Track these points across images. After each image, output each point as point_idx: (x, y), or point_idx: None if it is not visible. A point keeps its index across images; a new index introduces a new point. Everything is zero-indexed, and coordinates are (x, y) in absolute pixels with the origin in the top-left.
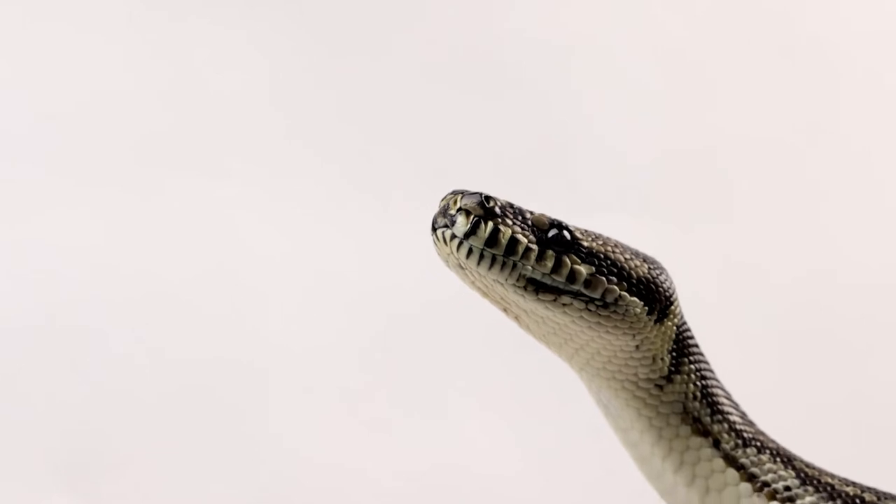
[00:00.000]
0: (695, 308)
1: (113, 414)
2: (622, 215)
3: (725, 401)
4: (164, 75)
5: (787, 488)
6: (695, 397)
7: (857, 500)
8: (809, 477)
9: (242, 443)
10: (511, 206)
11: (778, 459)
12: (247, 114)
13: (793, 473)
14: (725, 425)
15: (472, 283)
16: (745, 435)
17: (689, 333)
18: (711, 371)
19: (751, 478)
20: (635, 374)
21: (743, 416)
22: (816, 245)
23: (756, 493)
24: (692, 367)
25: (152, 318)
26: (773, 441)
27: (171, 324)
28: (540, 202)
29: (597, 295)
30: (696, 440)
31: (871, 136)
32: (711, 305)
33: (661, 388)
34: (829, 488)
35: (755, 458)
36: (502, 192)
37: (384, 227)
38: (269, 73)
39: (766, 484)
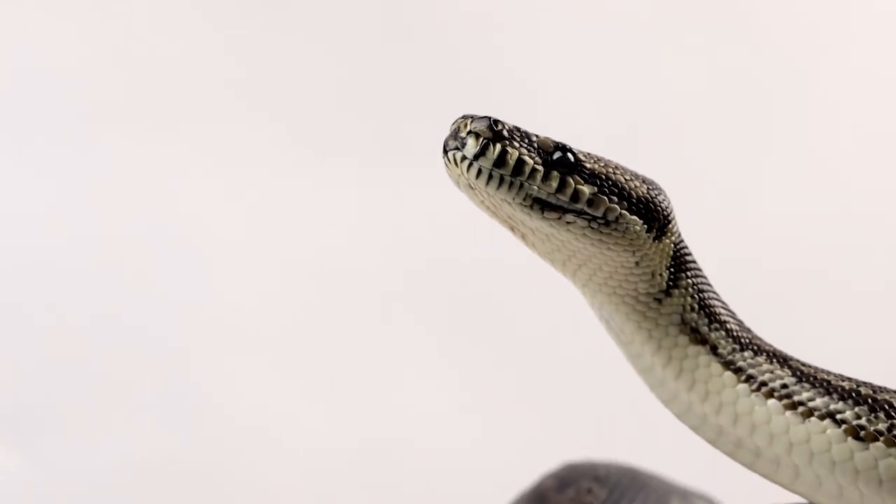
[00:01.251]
0: None
1: (50, 371)
2: None
3: (723, 311)
4: (111, 40)
5: (784, 386)
6: (692, 308)
7: (854, 394)
8: (806, 374)
9: (174, 401)
10: (518, 129)
11: (775, 360)
12: (191, 78)
13: (789, 372)
14: (723, 332)
15: (482, 202)
16: (743, 340)
17: (686, 250)
18: (709, 285)
19: (748, 379)
20: (635, 290)
21: (740, 323)
22: (742, 231)
23: (754, 393)
24: (689, 280)
25: (92, 279)
26: (770, 345)
27: (111, 284)
28: None
29: (599, 213)
30: (694, 348)
31: (795, 118)
32: None
33: (659, 301)
34: (825, 384)
35: (752, 361)
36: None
37: (329, 192)
38: (214, 38)
39: (763, 384)
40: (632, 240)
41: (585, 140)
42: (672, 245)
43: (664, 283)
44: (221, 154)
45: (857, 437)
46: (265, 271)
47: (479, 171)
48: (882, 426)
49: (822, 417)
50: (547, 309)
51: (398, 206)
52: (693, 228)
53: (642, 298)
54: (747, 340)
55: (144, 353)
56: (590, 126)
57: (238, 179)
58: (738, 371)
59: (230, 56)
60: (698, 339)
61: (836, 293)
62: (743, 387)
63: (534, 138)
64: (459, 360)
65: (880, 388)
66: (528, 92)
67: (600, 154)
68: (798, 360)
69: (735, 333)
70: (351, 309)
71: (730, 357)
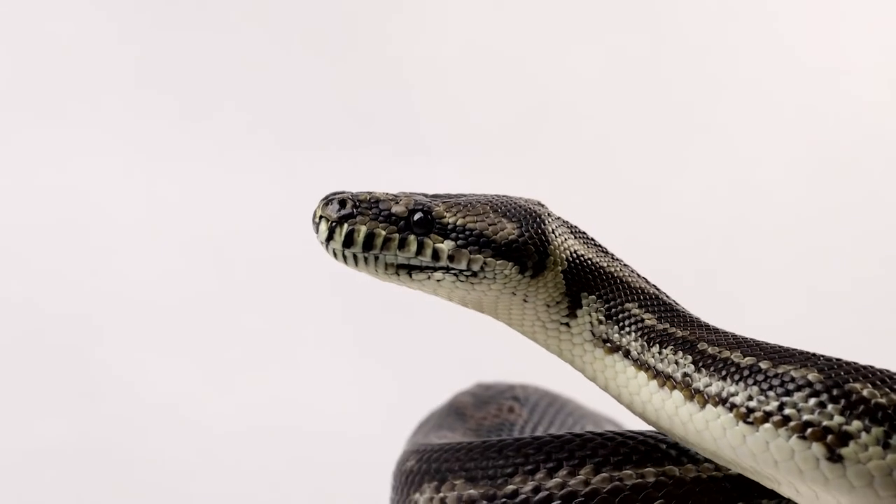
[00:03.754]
0: None
1: None
2: (463, 158)
3: (635, 308)
4: (5, 23)
5: (686, 375)
6: (600, 322)
7: (751, 371)
8: (708, 357)
9: (83, 384)
10: (370, 199)
11: (680, 349)
12: (89, 60)
13: (690, 359)
14: (633, 334)
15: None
16: (652, 334)
17: (586, 263)
18: (620, 284)
19: (656, 374)
20: (539, 320)
21: (656, 311)
22: (659, 178)
23: (662, 388)
24: (592, 297)
25: None
26: (687, 327)
27: (13, 269)
28: (385, 147)
29: (462, 267)
30: (611, 357)
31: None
32: None
33: (567, 325)
34: (726, 365)
35: (658, 355)
36: (350, 138)
37: (232, 174)
38: (109, 24)
39: (668, 376)
40: (505, 283)
41: (495, 118)
42: (559, 274)
43: (564, 310)
44: (124, 137)
45: (746, 421)
46: (168, 254)
47: (335, 253)
48: (772, 406)
49: (715, 403)
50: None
51: (299, 190)
52: (600, 208)
53: (550, 326)
54: (656, 333)
55: (49, 336)
56: (501, 103)
57: (142, 162)
58: (648, 369)
59: (129, 39)
60: (612, 347)
61: (749, 272)
62: (653, 383)
63: (387, 204)
64: (362, 343)
65: (784, 355)
66: (438, 70)
67: (474, 203)
68: (711, 338)
69: (646, 329)
70: (255, 291)
71: (640, 357)
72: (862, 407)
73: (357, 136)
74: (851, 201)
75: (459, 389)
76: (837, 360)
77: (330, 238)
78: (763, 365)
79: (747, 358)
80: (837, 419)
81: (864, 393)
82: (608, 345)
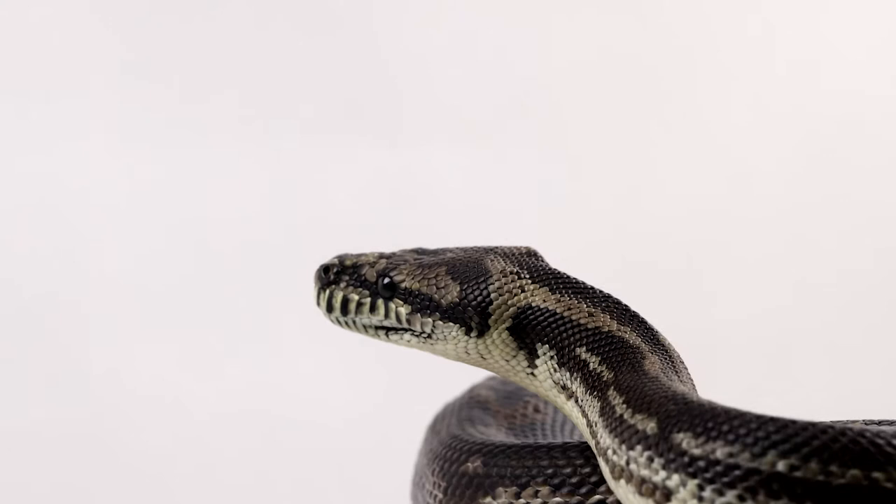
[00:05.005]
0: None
1: None
2: (448, 144)
3: (583, 353)
4: None
5: (593, 423)
6: (555, 370)
7: (620, 421)
8: (608, 406)
9: (64, 368)
10: (352, 265)
11: (598, 396)
12: (72, 43)
13: (598, 406)
14: (578, 380)
15: None
16: (589, 380)
17: (539, 313)
18: (572, 328)
19: (587, 422)
20: (507, 372)
21: (602, 352)
22: (641, 169)
23: (590, 434)
24: (546, 346)
25: None
26: (616, 367)
27: None
28: (368, 134)
29: (418, 329)
30: (568, 404)
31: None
32: (530, 228)
33: (533, 374)
34: (612, 414)
35: (588, 401)
36: (337, 123)
37: (219, 160)
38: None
39: (590, 424)
40: (457, 344)
41: (473, 110)
42: (505, 332)
43: (524, 361)
44: (106, 121)
45: (614, 476)
46: (152, 238)
47: (326, 316)
48: (623, 460)
49: (601, 455)
50: None
51: (285, 174)
52: (580, 204)
53: (519, 376)
54: (595, 376)
55: (31, 320)
56: (479, 96)
57: (124, 145)
58: (585, 416)
59: (113, 22)
60: (569, 394)
61: (730, 267)
62: (587, 431)
63: (365, 271)
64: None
65: (660, 400)
66: (421, 59)
67: (434, 265)
68: (626, 382)
69: (587, 374)
70: (240, 276)
71: (581, 404)
72: (680, 459)
73: (344, 121)
74: (837, 193)
75: (447, 375)
76: (689, 401)
77: (318, 303)
78: (626, 415)
79: (628, 409)
80: (661, 473)
81: (684, 444)
82: (566, 391)
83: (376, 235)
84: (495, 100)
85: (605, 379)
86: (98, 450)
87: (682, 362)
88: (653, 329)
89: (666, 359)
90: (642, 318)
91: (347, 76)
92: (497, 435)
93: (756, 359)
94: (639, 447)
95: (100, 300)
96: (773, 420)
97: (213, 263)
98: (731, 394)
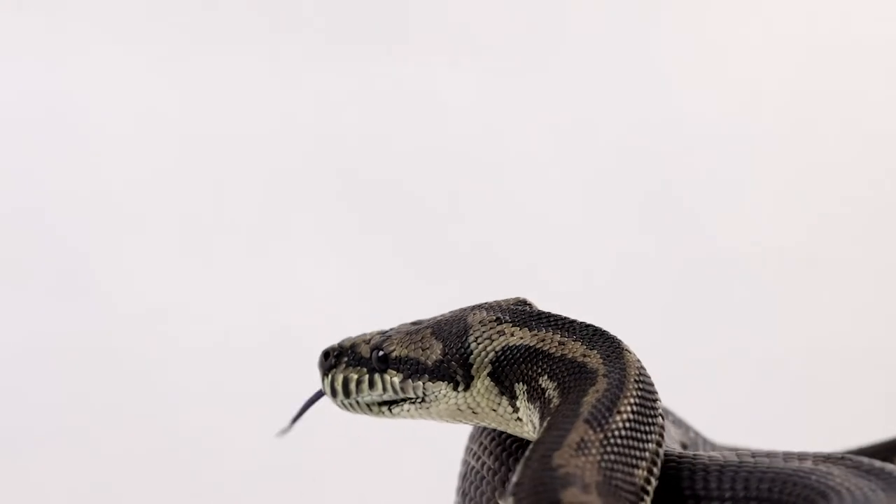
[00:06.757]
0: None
1: None
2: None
3: (545, 381)
4: None
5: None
6: (529, 407)
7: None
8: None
9: (75, 285)
10: (350, 347)
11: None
12: None
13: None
14: (537, 412)
15: None
16: (544, 409)
17: (512, 353)
18: (538, 359)
19: None
20: (499, 423)
21: (559, 377)
22: (650, 95)
23: None
24: (520, 384)
25: None
26: (565, 393)
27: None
28: (376, 48)
29: (412, 395)
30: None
31: None
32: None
33: (519, 419)
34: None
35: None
36: (346, 36)
37: (230, 73)
38: None
39: None
40: (448, 401)
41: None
42: (487, 379)
43: (508, 406)
44: (113, 31)
45: None
46: (158, 151)
47: (332, 402)
48: None
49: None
50: (442, 185)
51: (290, 84)
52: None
53: (511, 424)
54: (548, 402)
55: (37, 235)
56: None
57: (130, 59)
58: None
59: None
60: (534, 428)
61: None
62: None
63: (360, 349)
64: (357, 241)
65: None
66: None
67: (420, 329)
68: (562, 412)
69: (543, 403)
70: (245, 189)
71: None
72: None
73: (353, 34)
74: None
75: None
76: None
77: (325, 389)
78: (529, 455)
79: (536, 443)
80: None
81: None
82: (536, 430)
83: (386, 150)
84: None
85: (551, 406)
86: (107, 363)
87: (637, 380)
88: (619, 348)
89: (616, 381)
90: (613, 340)
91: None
92: None
93: None
94: (511, 498)
95: (108, 214)
96: None
97: (225, 179)
98: None
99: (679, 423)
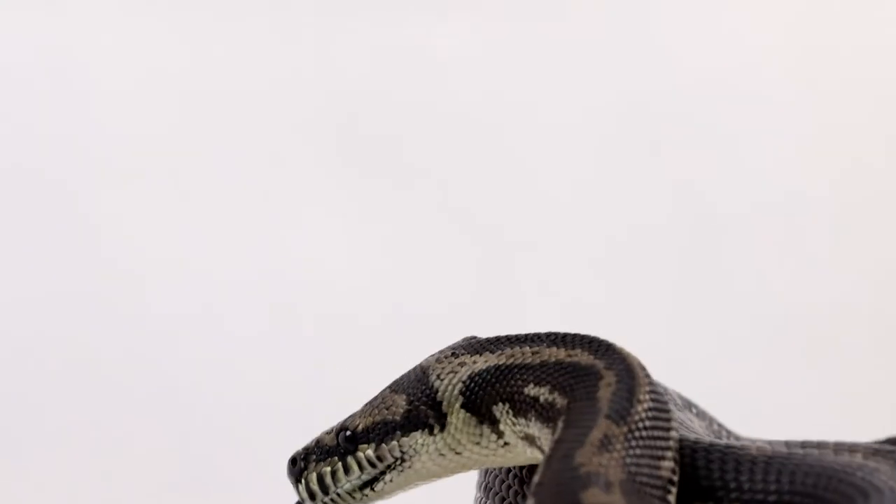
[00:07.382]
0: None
1: None
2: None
3: (531, 390)
4: None
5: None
6: (515, 423)
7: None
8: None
9: (82, 238)
10: (314, 444)
11: (551, 426)
12: None
13: (551, 436)
14: (534, 421)
15: None
16: (543, 414)
17: (482, 376)
18: (516, 372)
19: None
20: (486, 458)
21: (550, 381)
22: (659, 49)
23: None
24: (499, 404)
25: None
26: (569, 392)
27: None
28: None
29: (390, 460)
30: (538, 453)
31: None
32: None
33: (507, 444)
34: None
35: (545, 435)
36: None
37: (237, 34)
38: None
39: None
40: (428, 450)
41: None
42: (462, 412)
43: (491, 434)
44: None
45: None
46: (158, 106)
47: None
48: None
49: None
50: (444, 135)
51: (291, 39)
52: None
53: (500, 453)
54: (548, 406)
55: (46, 191)
56: None
57: (129, 13)
58: (542, 451)
59: None
60: (532, 440)
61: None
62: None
63: (325, 440)
64: (356, 194)
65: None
66: None
67: (382, 393)
68: (575, 412)
69: (538, 409)
70: (245, 143)
71: (540, 444)
72: None
73: None
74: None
75: None
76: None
77: (301, 498)
78: (551, 454)
79: (557, 441)
80: None
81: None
82: (531, 441)
83: (391, 106)
84: None
85: (558, 407)
86: (107, 313)
87: (642, 368)
88: (605, 342)
89: (623, 372)
90: (592, 337)
91: None
92: None
93: None
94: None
95: (113, 166)
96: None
97: (232, 134)
98: None
99: (703, 414)
